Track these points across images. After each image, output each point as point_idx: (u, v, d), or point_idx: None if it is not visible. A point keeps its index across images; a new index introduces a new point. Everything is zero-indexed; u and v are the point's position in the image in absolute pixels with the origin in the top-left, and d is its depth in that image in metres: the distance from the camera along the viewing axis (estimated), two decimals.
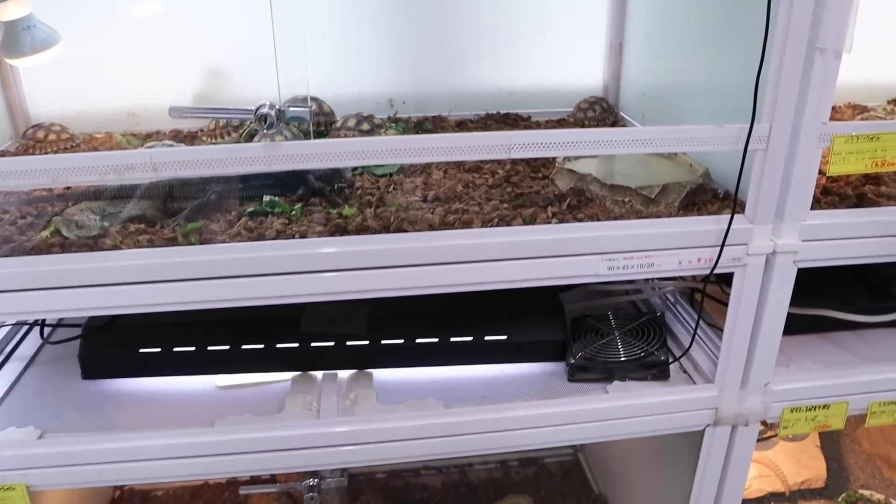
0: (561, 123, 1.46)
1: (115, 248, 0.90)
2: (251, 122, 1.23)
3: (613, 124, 1.44)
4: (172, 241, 0.92)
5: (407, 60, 1.47)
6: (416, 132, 1.36)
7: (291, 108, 0.85)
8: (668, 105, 1.34)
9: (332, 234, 0.92)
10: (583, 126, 1.41)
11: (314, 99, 1.30)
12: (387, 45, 1.45)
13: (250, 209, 0.98)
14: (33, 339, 1.29)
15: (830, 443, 1.81)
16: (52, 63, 1.21)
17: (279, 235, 0.92)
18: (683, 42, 1.27)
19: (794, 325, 1.09)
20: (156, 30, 1.37)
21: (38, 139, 1.32)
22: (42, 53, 1.13)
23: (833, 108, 0.94)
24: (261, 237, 0.92)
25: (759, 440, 1.18)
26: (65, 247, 0.91)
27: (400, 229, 0.93)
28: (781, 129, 0.94)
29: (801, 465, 1.73)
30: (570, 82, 1.51)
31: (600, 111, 1.41)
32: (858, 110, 1.44)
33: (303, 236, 0.92)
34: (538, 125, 1.46)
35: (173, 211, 1.01)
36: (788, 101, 0.93)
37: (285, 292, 0.91)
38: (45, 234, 0.94)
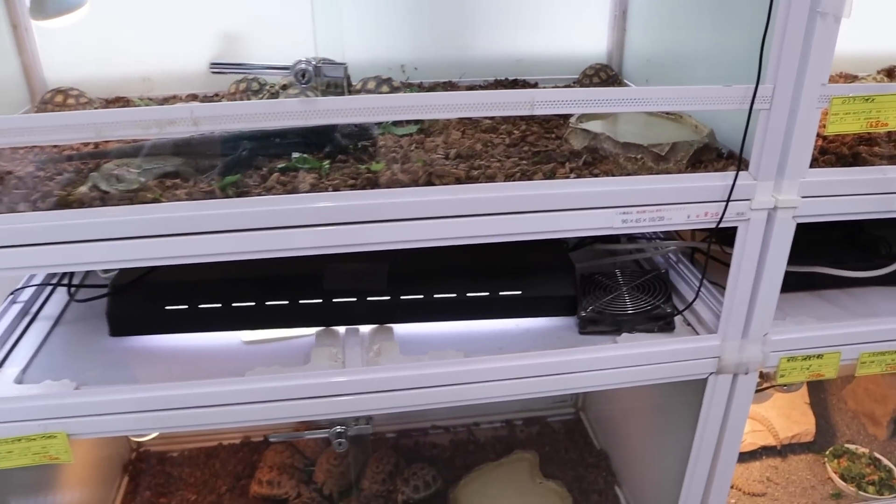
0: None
1: (155, 200, 0.94)
2: (270, 87, 1.27)
3: None
4: (209, 195, 0.95)
5: (416, 28, 1.50)
6: None
7: (327, 65, 0.88)
8: (670, 72, 1.39)
9: (363, 188, 0.97)
10: None
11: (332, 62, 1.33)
12: (396, 12, 1.47)
13: (281, 165, 1.02)
14: (58, 299, 1.32)
15: (819, 401, 1.89)
16: (72, 27, 1.22)
17: (312, 189, 0.96)
18: (686, 10, 1.31)
19: (790, 283, 1.15)
20: None
21: (56, 103, 1.33)
22: (68, 16, 1.15)
23: None
24: (294, 191, 0.96)
25: (755, 391, 1.25)
26: (105, 200, 0.95)
27: (428, 183, 0.97)
28: (784, 89, 0.99)
29: (792, 420, 1.81)
30: (575, 50, 1.55)
31: (605, 78, 1.45)
32: (850, 80, 1.51)
33: (336, 189, 0.96)
34: None
35: (204, 168, 1.05)
36: (791, 63, 0.97)
37: (323, 242, 0.95)
38: (84, 189, 0.98)
